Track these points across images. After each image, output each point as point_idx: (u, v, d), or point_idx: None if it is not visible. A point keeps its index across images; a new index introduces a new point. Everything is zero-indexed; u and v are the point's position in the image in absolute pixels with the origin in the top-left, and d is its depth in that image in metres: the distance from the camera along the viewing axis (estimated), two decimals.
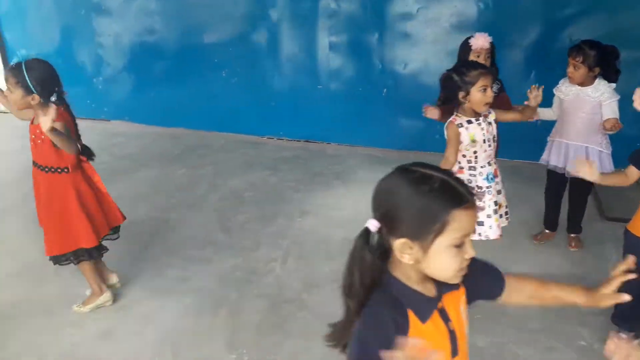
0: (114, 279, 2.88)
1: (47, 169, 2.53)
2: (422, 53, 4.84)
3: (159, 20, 5.67)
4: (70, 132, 2.52)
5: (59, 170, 2.54)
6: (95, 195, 2.65)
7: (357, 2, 4.87)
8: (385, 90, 5.04)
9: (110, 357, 2.40)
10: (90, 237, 2.57)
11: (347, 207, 3.85)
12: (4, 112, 6.57)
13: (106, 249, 2.79)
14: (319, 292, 2.82)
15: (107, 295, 2.74)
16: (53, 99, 2.46)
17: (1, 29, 6.32)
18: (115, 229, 2.83)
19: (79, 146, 2.60)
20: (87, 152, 2.71)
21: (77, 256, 2.62)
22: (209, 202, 4.02)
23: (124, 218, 2.84)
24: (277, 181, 4.42)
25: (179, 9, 5.57)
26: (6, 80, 2.43)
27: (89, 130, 5.78)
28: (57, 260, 2.65)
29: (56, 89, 2.50)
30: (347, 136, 5.29)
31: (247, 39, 5.38)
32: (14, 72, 2.39)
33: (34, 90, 2.39)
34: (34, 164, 2.58)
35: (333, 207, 3.88)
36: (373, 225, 1.10)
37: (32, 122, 2.56)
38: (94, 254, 2.66)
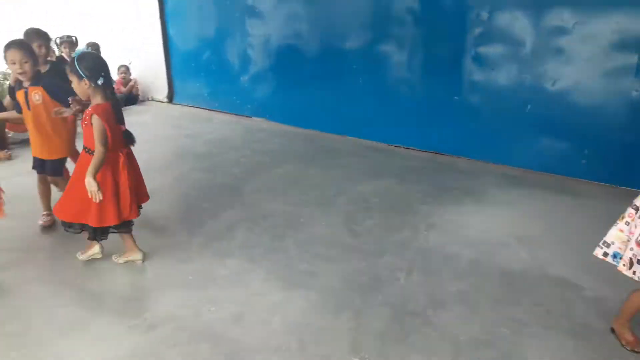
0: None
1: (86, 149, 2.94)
2: (575, 71, 4.53)
3: (305, 25, 5.93)
4: (106, 133, 2.83)
5: (92, 152, 2.86)
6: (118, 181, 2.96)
7: (509, 13, 4.69)
8: (529, 106, 4.79)
9: (240, 339, 2.56)
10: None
11: (477, 226, 3.73)
12: (161, 102, 7.38)
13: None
14: (444, 311, 2.77)
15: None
16: (100, 82, 2.83)
17: (167, 27, 7.01)
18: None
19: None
20: (128, 138, 3.06)
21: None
22: (338, 204, 4.12)
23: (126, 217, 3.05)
24: (404, 191, 4.40)
25: (324, 15, 5.77)
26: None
27: (234, 124, 6.32)
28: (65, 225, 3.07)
29: (102, 74, 2.85)
30: (480, 151, 5.12)
31: (386, 46, 5.43)
32: (70, 63, 2.86)
33: (83, 75, 2.80)
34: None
35: (462, 225, 3.78)
36: None
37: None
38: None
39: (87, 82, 2.82)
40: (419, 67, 5.33)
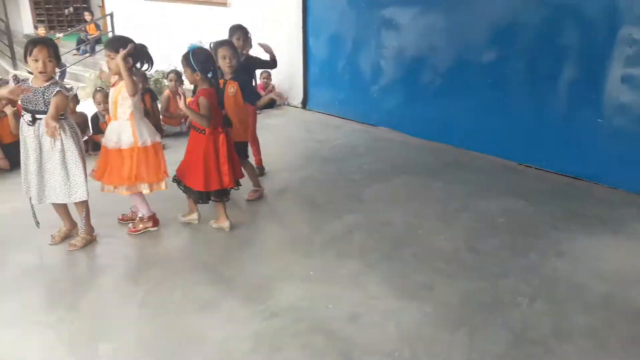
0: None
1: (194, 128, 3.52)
2: None
3: (441, 37, 5.89)
4: (211, 109, 3.39)
5: (199, 130, 3.46)
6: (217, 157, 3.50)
7: None
8: None
9: (354, 338, 2.65)
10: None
11: (612, 259, 3.46)
12: (296, 107, 7.77)
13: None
14: (569, 343, 2.63)
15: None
16: (209, 75, 3.40)
17: (307, 37, 7.37)
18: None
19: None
20: (226, 121, 3.65)
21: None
22: (460, 220, 4.06)
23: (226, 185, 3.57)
24: (533, 213, 4.20)
25: (460, 29, 5.68)
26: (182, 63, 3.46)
27: (360, 132, 6.45)
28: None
29: (211, 67, 3.39)
30: (623, 179, 4.70)
31: (521, 62, 5.22)
32: (185, 56, 3.39)
33: (196, 69, 3.34)
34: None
35: (595, 255, 3.53)
36: None
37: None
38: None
39: (198, 74, 3.37)
40: (559, 85, 5.04)
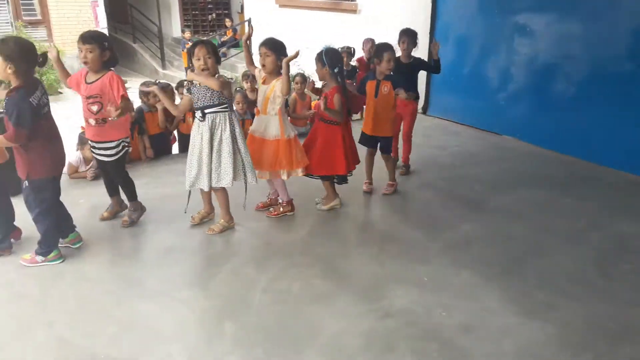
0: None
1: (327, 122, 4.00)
2: None
3: (578, 46, 5.54)
4: (342, 105, 3.87)
5: (333, 122, 3.96)
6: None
7: None
8: None
9: (469, 349, 2.61)
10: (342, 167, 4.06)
11: None
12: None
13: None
14: None
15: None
16: (336, 70, 3.86)
17: (435, 29, 7.32)
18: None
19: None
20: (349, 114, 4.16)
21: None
22: (589, 240, 3.80)
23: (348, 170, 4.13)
24: None
25: (601, 36, 5.30)
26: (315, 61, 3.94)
27: (481, 140, 6.29)
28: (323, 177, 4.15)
29: (338, 65, 3.87)
30: None
31: None
32: (319, 53, 3.86)
33: (326, 63, 3.83)
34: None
35: None
36: None
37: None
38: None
39: (327, 69, 3.85)
40: None
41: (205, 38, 3.98)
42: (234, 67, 11.61)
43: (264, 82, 3.78)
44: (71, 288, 3.08)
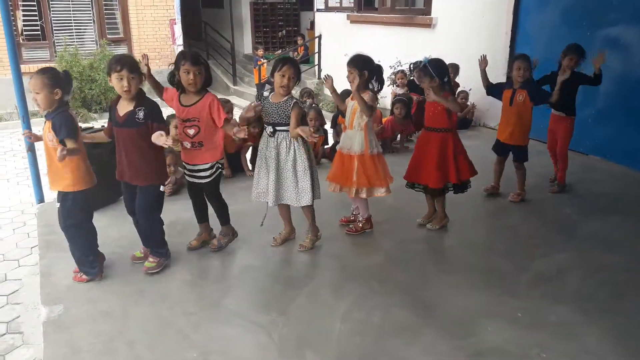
0: None
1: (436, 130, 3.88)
2: None
3: None
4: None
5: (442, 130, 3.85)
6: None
7: None
8: None
9: None
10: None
11: None
12: (492, 129, 7.37)
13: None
14: None
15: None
16: (445, 79, 3.75)
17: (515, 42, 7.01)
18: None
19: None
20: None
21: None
22: None
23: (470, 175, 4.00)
24: None
25: None
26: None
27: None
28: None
29: (446, 75, 3.75)
30: None
31: None
32: (422, 68, 3.72)
33: (434, 75, 3.67)
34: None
35: None
36: None
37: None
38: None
39: (436, 80, 3.69)
40: None
41: (289, 56, 3.88)
42: (302, 82, 11.70)
43: (351, 98, 3.73)
44: (151, 308, 3.08)
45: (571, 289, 3.27)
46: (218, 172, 3.54)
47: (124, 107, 3.18)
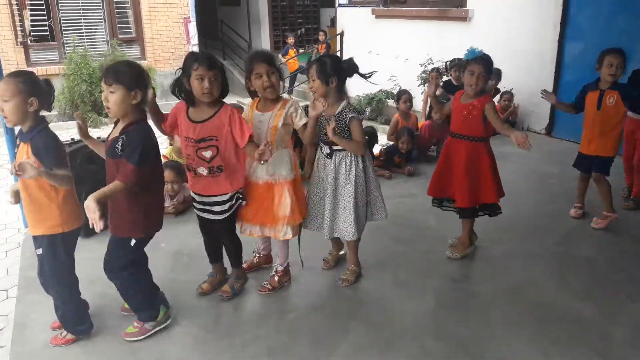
0: None
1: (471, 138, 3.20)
2: None
3: None
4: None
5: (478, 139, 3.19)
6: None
7: None
8: None
9: None
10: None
11: None
12: (538, 133, 6.63)
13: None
14: None
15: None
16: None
17: (562, 52, 6.25)
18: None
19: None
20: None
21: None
22: None
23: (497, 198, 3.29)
24: None
25: None
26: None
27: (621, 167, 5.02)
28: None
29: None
30: None
31: None
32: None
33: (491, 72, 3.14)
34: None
35: None
36: None
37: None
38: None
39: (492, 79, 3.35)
40: None
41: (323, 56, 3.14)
42: None
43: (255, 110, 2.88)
44: None
45: None
46: (238, 203, 2.83)
47: (115, 130, 2.49)
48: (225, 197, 2.75)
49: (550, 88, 6.46)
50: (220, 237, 2.95)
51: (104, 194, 2.26)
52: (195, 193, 2.81)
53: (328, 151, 2.92)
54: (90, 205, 2.11)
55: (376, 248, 3.52)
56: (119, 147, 2.37)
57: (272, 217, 2.88)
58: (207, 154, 2.64)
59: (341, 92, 2.89)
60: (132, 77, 2.36)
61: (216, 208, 2.76)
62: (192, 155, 2.68)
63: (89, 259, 2.93)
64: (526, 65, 6.53)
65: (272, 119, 2.79)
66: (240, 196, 2.82)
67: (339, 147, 2.87)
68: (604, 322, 2.77)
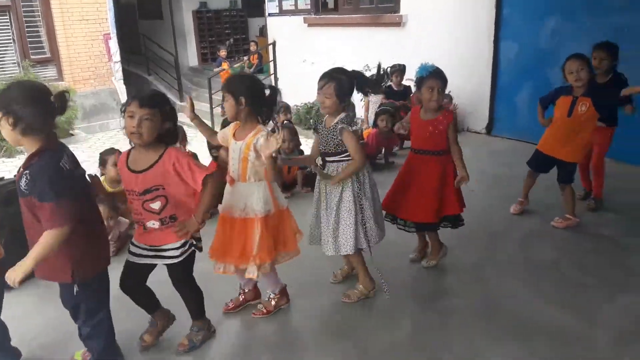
0: None
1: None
2: None
3: None
4: None
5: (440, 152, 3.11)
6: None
7: None
8: None
9: None
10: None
11: None
12: (478, 133, 6.62)
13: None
14: None
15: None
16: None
17: (498, 53, 6.32)
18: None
19: None
20: None
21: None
22: None
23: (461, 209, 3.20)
24: None
25: None
26: None
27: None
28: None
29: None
30: None
31: None
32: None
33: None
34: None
35: None
36: None
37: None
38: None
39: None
40: None
41: (237, 65, 2.91)
42: None
43: (233, 136, 2.64)
44: None
45: None
46: (191, 250, 2.44)
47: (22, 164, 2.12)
48: (177, 244, 2.38)
49: (488, 89, 6.56)
50: (146, 286, 2.54)
51: (36, 258, 1.95)
52: (139, 242, 2.42)
53: (321, 163, 2.81)
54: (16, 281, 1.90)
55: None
56: (23, 185, 2.02)
57: (242, 254, 2.59)
58: (156, 205, 2.29)
59: (342, 104, 2.72)
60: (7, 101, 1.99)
61: (168, 253, 2.39)
62: (138, 209, 2.32)
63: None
64: (463, 67, 6.57)
65: (242, 148, 2.54)
66: (195, 242, 2.44)
67: (333, 158, 2.76)
68: (585, 328, 2.69)
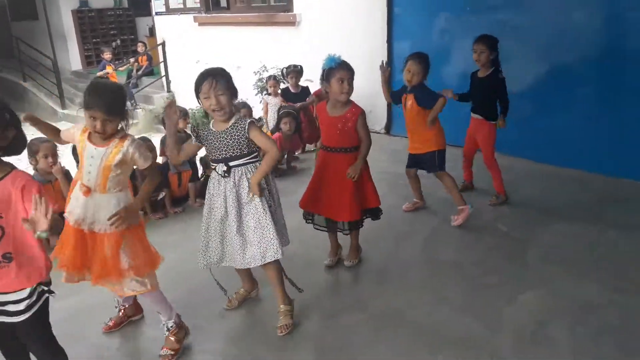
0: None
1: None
2: None
3: (580, 35, 4.74)
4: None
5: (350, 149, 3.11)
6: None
7: None
8: None
9: None
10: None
11: None
12: (377, 132, 6.62)
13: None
14: None
15: None
16: None
17: (392, 53, 6.32)
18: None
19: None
20: None
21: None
22: None
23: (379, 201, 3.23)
24: None
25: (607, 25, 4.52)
26: None
27: (460, 161, 5.17)
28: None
29: None
30: None
31: None
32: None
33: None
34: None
35: None
36: None
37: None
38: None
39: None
40: None
41: (213, 67, 2.50)
42: (148, 97, 10.03)
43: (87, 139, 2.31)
44: None
45: (567, 349, 2.48)
46: (43, 299, 1.99)
47: None
48: (22, 295, 1.91)
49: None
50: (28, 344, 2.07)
51: None
52: None
53: (224, 168, 2.53)
54: None
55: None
56: None
57: (103, 269, 2.30)
58: None
59: (233, 100, 2.54)
60: None
61: (10, 307, 1.92)
62: None
63: None
64: (360, 67, 6.44)
65: (105, 156, 2.24)
66: (46, 289, 1.99)
67: (237, 162, 2.53)
68: (488, 335, 2.62)
